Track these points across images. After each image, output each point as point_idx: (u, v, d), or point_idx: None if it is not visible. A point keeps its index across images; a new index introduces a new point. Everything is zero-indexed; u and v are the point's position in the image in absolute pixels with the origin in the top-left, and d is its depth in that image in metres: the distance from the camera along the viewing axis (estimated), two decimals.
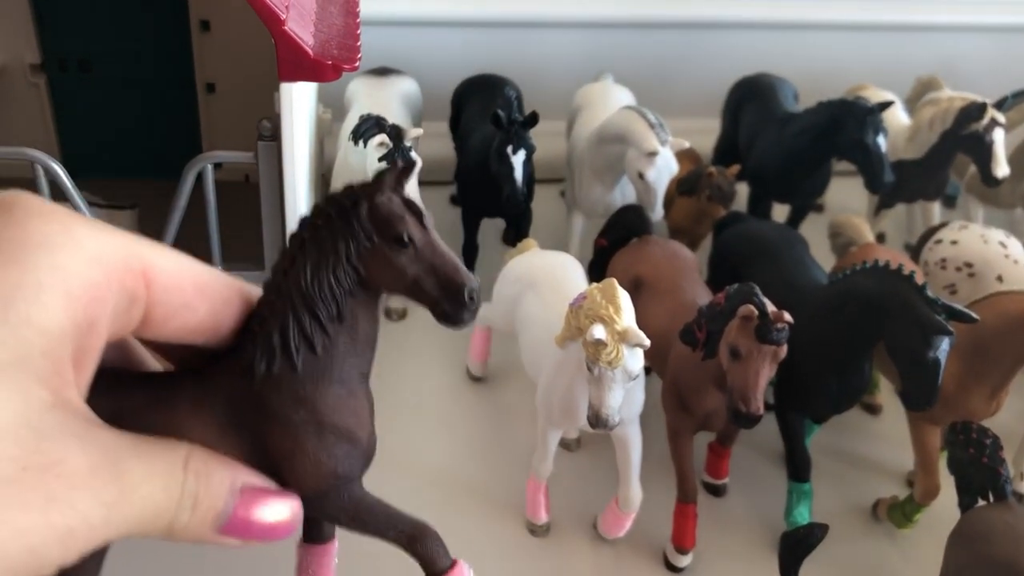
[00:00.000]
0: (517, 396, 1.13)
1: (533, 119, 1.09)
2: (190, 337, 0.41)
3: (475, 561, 0.90)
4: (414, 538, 0.46)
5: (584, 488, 1.01)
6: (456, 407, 1.12)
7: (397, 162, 0.43)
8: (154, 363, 0.46)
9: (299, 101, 0.85)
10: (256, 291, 0.44)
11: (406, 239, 0.42)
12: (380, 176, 0.43)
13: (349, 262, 0.42)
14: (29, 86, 1.27)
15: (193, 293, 0.39)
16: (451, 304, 0.43)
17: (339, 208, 0.43)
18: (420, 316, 1.25)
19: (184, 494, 0.35)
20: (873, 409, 1.17)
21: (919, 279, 0.84)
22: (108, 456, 0.32)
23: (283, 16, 0.74)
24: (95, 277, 0.33)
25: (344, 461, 0.44)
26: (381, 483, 0.50)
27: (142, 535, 0.34)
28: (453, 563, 0.47)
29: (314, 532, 0.51)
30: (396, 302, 1.24)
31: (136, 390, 0.41)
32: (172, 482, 0.35)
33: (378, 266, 0.42)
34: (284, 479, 0.42)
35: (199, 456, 0.37)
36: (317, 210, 0.43)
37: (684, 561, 0.93)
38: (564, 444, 1.06)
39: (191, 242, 0.80)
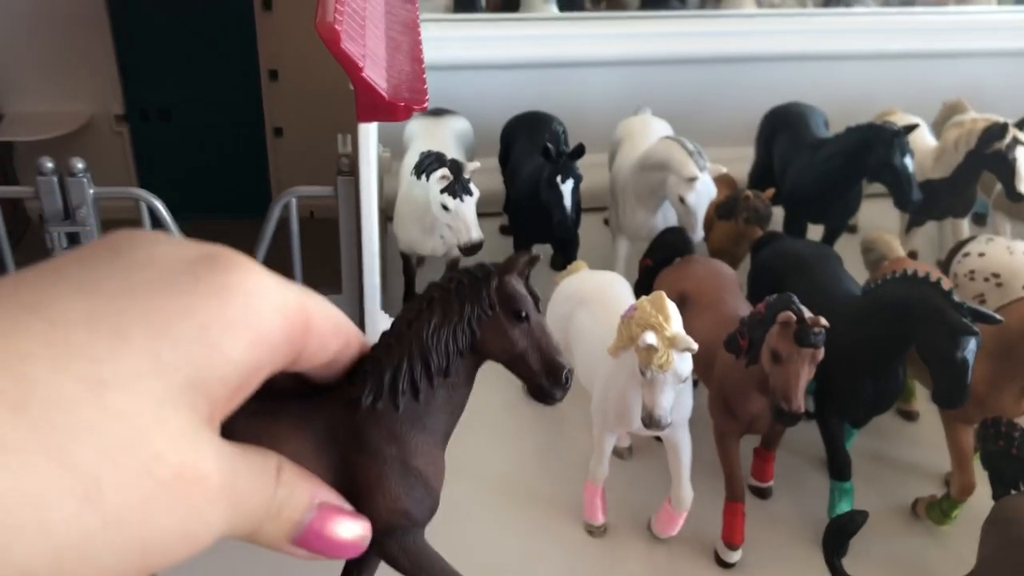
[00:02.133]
0: (571, 407, 1.20)
1: (580, 151, 1.17)
2: (311, 371, 0.44)
3: (537, 560, 0.98)
4: None
5: (636, 492, 1.08)
6: (514, 419, 1.19)
7: (529, 254, 0.50)
8: None
9: (372, 140, 0.95)
10: (367, 339, 0.48)
11: (524, 315, 0.47)
12: (513, 258, 0.49)
13: (469, 324, 0.48)
14: (113, 135, 1.39)
15: (331, 335, 0.43)
16: (549, 381, 0.48)
17: (471, 277, 0.49)
18: None
19: (273, 503, 0.38)
20: (910, 416, 1.22)
21: (946, 285, 0.90)
22: (232, 472, 0.35)
23: (361, 64, 0.83)
24: (276, 325, 0.37)
25: (418, 504, 0.47)
26: (449, 489, 0.53)
27: (233, 538, 0.37)
28: None
29: None
30: None
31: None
32: (267, 492, 0.38)
33: (494, 334, 0.48)
34: (360, 508, 0.44)
35: (287, 467, 0.39)
36: (450, 276, 0.49)
37: (734, 557, 0.99)
38: (616, 452, 1.13)
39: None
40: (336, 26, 0.80)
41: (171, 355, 0.31)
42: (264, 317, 0.36)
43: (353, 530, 0.42)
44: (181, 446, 0.31)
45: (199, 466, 0.32)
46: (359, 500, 0.45)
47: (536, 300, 0.49)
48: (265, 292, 0.36)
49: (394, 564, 0.49)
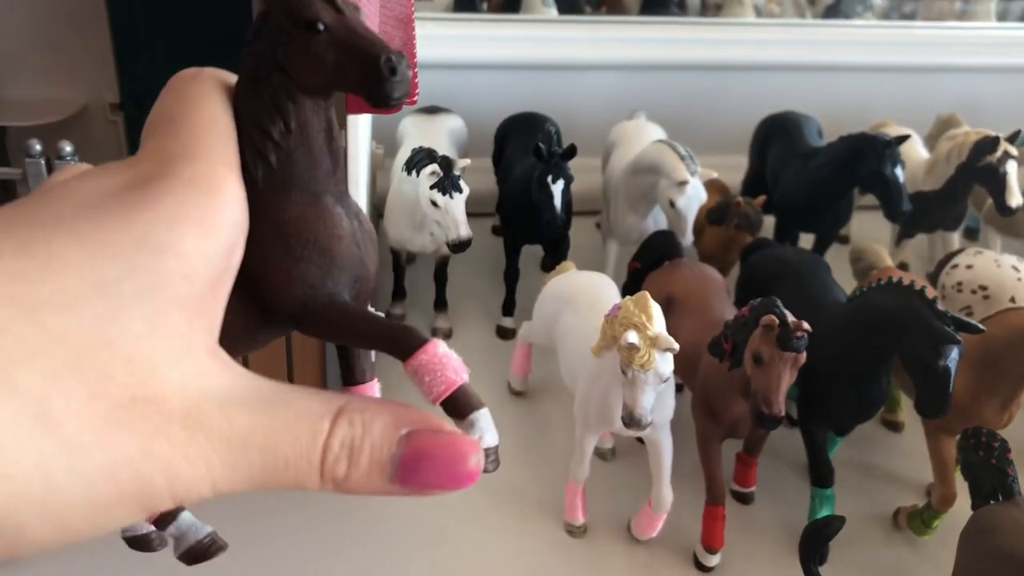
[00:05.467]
0: (555, 408, 1.20)
1: (571, 151, 1.17)
2: None
3: (515, 559, 0.98)
4: (402, 344, 0.41)
5: (618, 493, 1.08)
6: (498, 419, 1.15)
7: None
8: None
9: (361, 134, 0.95)
10: None
11: (319, 24, 0.39)
12: None
13: (277, 65, 0.40)
14: (107, 123, 1.39)
15: None
16: (371, 79, 0.39)
17: (263, 15, 0.41)
18: (464, 336, 1.34)
19: (331, 449, 0.33)
20: (895, 426, 1.22)
21: (930, 294, 0.90)
22: (223, 401, 0.31)
23: None
24: (222, 203, 0.34)
25: (316, 269, 0.41)
26: None
27: (283, 487, 0.33)
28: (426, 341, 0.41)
29: (350, 374, 0.48)
30: (442, 322, 1.33)
31: None
32: (301, 437, 0.32)
33: (300, 59, 0.40)
34: (266, 298, 0.41)
35: (354, 406, 0.34)
36: (252, 25, 0.42)
37: (713, 560, 0.99)
38: (600, 453, 1.13)
39: None
40: None
41: (112, 269, 0.29)
42: (206, 202, 0.33)
43: (458, 454, 0.35)
44: (135, 365, 0.29)
45: (151, 385, 0.29)
46: (261, 293, 0.41)
47: (332, 1, 0.40)
48: (194, 182, 0.34)
49: (325, 337, 0.44)
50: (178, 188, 0.33)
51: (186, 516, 0.49)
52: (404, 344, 0.40)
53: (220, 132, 0.37)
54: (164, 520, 0.49)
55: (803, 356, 0.86)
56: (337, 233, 0.42)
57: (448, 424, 0.36)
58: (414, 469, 0.34)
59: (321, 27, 0.39)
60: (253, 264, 0.40)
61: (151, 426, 0.29)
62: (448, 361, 0.40)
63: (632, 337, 0.82)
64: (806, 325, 0.85)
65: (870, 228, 1.61)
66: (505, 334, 1.34)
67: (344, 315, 0.42)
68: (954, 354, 0.87)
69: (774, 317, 0.86)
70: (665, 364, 0.83)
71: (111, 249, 0.29)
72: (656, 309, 0.85)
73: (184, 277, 0.31)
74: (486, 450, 0.38)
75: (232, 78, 0.40)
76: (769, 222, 1.40)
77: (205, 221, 0.33)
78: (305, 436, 0.32)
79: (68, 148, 0.90)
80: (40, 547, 0.28)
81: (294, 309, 0.41)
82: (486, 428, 0.39)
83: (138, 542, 0.51)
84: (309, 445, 0.32)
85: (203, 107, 0.38)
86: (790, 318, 0.86)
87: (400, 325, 0.41)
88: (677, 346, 0.82)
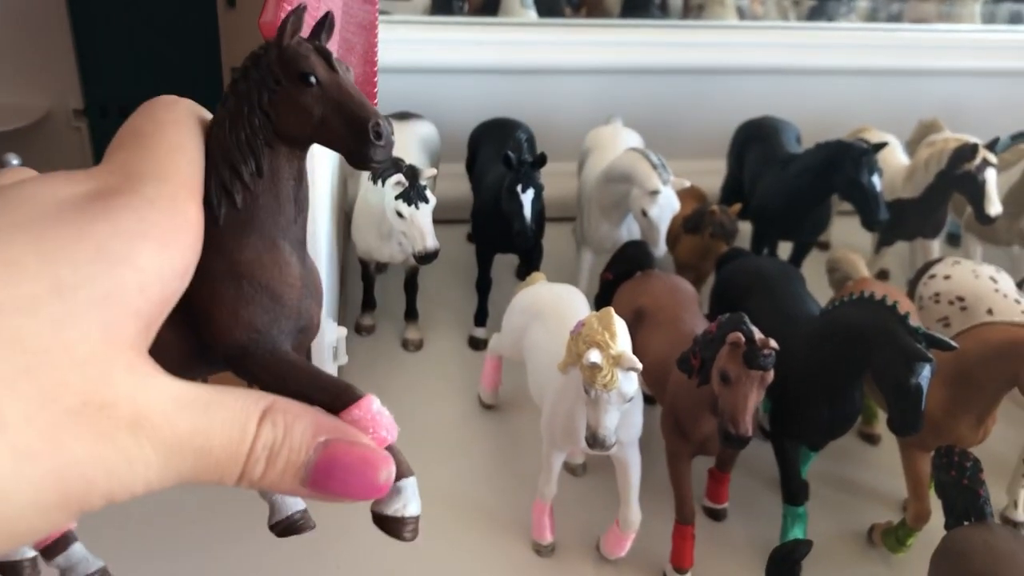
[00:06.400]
0: (526, 423, 1.18)
1: (542, 160, 1.15)
2: None
3: None
4: (337, 399, 0.42)
5: (587, 511, 1.06)
6: (467, 433, 1.17)
7: (301, 10, 0.42)
8: None
9: None
10: None
11: (311, 78, 0.41)
12: (284, 22, 0.41)
13: (261, 108, 0.41)
14: (72, 130, 1.36)
15: None
16: (356, 141, 0.41)
17: (254, 57, 0.42)
18: (435, 348, 1.31)
19: (256, 449, 0.35)
20: (872, 439, 1.20)
21: (903, 309, 0.88)
22: (166, 406, 0.32)
23: None
24: (181, 222, 0.36)
25: (263, 315, 0.42)
26: None
27: (205, 483, 0.34)
28: (361, 397, 0.42)
29: None
30: (412, 333, 1.30)
31: None
32: (233, 436, 0.34)
33: (286, 109, 0.41)
34: (208, 334, 0.42)
35: (280, 407, 0.36)
36: (240, 66, 0.43)
37: None
38: (570, 469, 1.11)
39: None
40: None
41: (71, 276, 0.30)
42: (166, 222, 0.35)
43: (369, 467, 0.37)
44: (88, 371, 0.30)
45: (104, 392, 0.30)
46: (204, 327, 0.42)
47: (328, 57, 0.41)
48: (156, 202, 0.35)
49: (259, 383, 0.44)
50: (139, 205, 0.34)
51: (77, 549, 0.47)
52: (339, 399, 0.41)
53: (188, 158, 0.39)
54: (53, 549, 0.47)
55: (771, 375, 0.84)
56: (290, 281, 0.43)
57: (364, 438, 0.38)
58: (326, 476, 0.36)
59: (314, 81, 0.40)
60: (201, 300, 0.41)
61: (99, 430, 0.30)
62: (380, 419, 0.40)
63: (594, 356, 0.79)
64: (773, 343, 0.83)
65: (850, 234, 1.59)
66: (477, 345, 1.32)
67: (283, 364, 0.43)
68: (926, 372, 0.85)
69: (740, 334, 0.84)
70: (629, 384, 0.81)
71: (69, 256, 0.31)
72: (620, 326, 0.83)
73: (140, 290, 0.32)
74: (407, 519, 0.40)
75: (207, 114, 0.41)
76: (747, 229, 1.37)
77: (163, 240, 0.34)
78: (236, 438, 0.34)
79: (15, 161, 0.87)
80: None
81: (233, 351, 0.42)
82: (411, 497, 0.40)
83: (11, 568, 0.49)
84: (238, 448, 0.34)
85: (175, 131, 0.39)
86: (757, 335, 0.84)
87: (337, 380, 0.42)
88: (640, 365, 0.80)
